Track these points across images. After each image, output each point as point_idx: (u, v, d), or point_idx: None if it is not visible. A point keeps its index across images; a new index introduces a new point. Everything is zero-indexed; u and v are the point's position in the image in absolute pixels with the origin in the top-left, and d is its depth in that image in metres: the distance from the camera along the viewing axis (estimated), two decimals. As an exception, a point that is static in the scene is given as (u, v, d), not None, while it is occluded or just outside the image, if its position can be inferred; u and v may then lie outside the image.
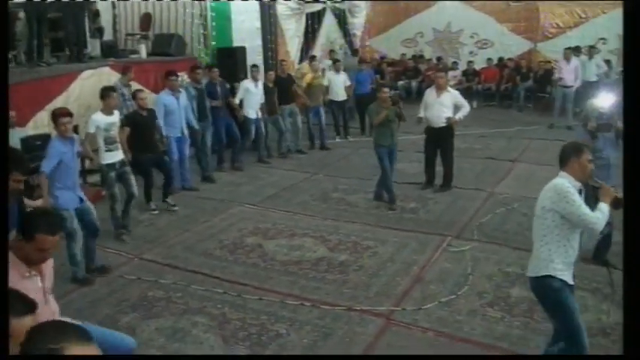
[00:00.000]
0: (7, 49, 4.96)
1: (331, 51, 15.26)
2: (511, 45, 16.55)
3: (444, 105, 8.20)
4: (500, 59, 16.30)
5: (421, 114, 8.41)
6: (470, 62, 16.49)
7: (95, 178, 9.04)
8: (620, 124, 5.49)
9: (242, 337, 4.73)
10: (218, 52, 11.78)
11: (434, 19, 17.57)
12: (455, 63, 16.47)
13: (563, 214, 3.55)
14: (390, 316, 5.02)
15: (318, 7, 15.36)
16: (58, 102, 8.79)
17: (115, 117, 6.90)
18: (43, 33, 9.36)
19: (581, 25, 15.62)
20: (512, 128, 12.90)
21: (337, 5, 16.29)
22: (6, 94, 3.71)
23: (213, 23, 11.99)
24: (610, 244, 5.70)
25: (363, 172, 9.54)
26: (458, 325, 4.86)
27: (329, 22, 16.04)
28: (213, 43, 11.96)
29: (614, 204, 3.61)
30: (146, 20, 12.32)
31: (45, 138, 7.54)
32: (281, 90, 10.69)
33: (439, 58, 17.02)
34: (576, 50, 13.10)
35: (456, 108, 8.22)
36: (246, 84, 10.00)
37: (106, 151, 6.79)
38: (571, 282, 3.68)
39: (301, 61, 14.44)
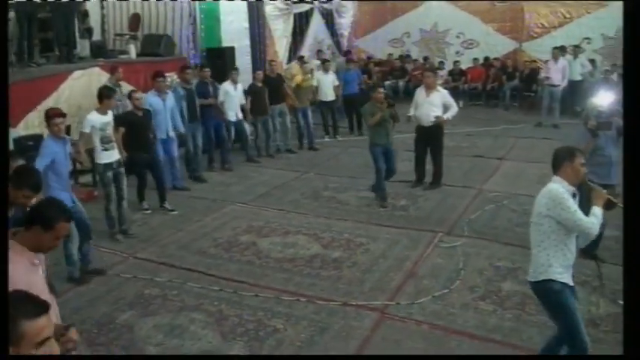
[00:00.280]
0: (6, 49, 4.97)
1: (319, 51, 15.34)
2: (497, 45, 16.72)
3: (433, 104, 8.30)
4: (486, 59, 16.46)
5: (411, 113, 8.51)
6: (456, 62, 16.65)
7: (87, 179, 9.09)
8: (620, 122, 5.56)
9: (240, 332, 4.80)
10: (207, 52, 11.80)
11: (420, 19, 17.69)
12: (441, 63, 16.61)
13: (558, 220, 3.61)
14: (385, 311, 5.11)
15: (305, 7, 15.44)
16: (48, 102, 8.79)
17: (110, 116, 6.93)
18: (33, 33, 9.34)
19: (566, 25, 15.82)
20: (498, 127, 13.06)
21: (324, 5, 16.37)
22: (6, 94, 3.73)
23: (202, 25, 12.01)
24: (600, 240, 5.79)
25: (353, 171, 9.65)
26: (452, 318, 4.97)
27: (316, 22, 16.12)
28: (202, 43, 11.98)
29: (607, 206, 3.69)
30: (135, 20, 12.32)
31: (37, 138, 7.56)
32: (271, 90, 10.72)
33: (426, 58, 17.15)
34: (561, 50, 13.28)
35: (446, 107, 8.30)
36: (226, 86, 9.93)
37: (103, 150, 6.81)
38: (571, 283, 3.74)
39: (289, 61, 14.50)
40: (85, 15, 11.35)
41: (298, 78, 11.66)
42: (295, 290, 5.52)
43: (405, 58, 17.48)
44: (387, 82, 16.43)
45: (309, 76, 12.00)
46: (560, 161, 3.73)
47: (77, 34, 10.39)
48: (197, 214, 7.78)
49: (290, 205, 8.06)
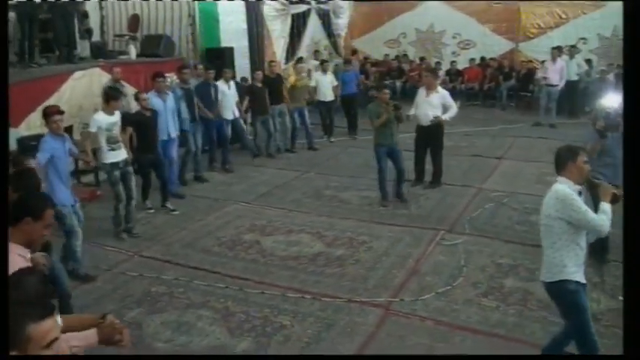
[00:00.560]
0: (7, 49, 5.00)
1: (316, 51, 15.42)
2: (493, 45, 16.77)
3: (432, 104, 8.35)
4: (482, 59, 16.55)
5: (411, 112, 8.57)
6: (453, 62, 16.73)
7: (89, 179, 9.12)
8: None
9: (247, 328, 4.87)
10: (207, 52, 11.85)
11: (417, 20, 17.72)
12: (438, 63, 16.66)
13: (570, 221, 3.64)
14: (389, 307, 5.19)
15: (303, 8, 15.47)
16: (50, 103, 8.76)
17: (117, 117, 6.97)
18: (34, 34, 9.38)
19: (562, 26, 15.90)
20: (495, 127, 13.15)
21: (321, 6, 16.42)
22: (6, 94, 3.77)
23: (201, 25, 12.06)
24: (608, 243, 5.83)
25: (353, 171, 9.74)
26: (455, 314, 5.04)
27: (314, 22, 16.15)
28: (202, 43, 12.03)
29: (613, 200, 3.71)
30: (134, 21, 12.37)
31: (39, 138, 7.58)
32: (271, 90, 10.76)
33: (422, 59, 17.21)
34: (558, 50, 13.36)
35: (445, 108, 8.36)
36: (220, 86, 9.93)
37: (109, 150, 6.86)
38: (583, 281, 3.78)
39: (287, 61, 14.55)
40: (85, 16, 11.37)
41: (291, 78, 11.70)
42: (300, 287, 5.59)
43: (402, 57, 17.54)
44: (385, 83, 16.50)
45: (303, 75, 12.04)
46: (563, 161, 3.76)
47: (77, 34, 10.43)
48: (199, 213, 7.84)
49: (292, 204, 8.13)
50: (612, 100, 6.03)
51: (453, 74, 16.39)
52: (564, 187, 3.69)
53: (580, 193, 3.74)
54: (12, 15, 9.74)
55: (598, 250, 5.72)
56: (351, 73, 13.03)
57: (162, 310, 5.25)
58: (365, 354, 4.51)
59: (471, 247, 6.44)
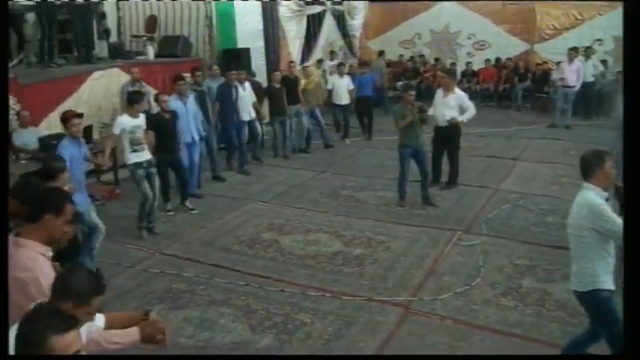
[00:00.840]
0: (7, 48, 5.05)
1: (331, 52, 15.47)
2: (508, 46, 16.79)
3: (448, 105, 8.36)
4: (497, 59, 16.55)
5: (430, 112, 8.58)
6: (468, 63, 16.76)
7: (109, 177, 9.24)
8: None
9: (268, 325, 4.94)
10: (223, 53, 11.94)
11: (432, 20, 17.78)
12: (453, 64, 16.66)
13: (601, 232, 3.58)
14: (409, 306, 5.24)
15: (318, 9, 15.54)
16: (69, 102, 8.99)
17: (141, 120, 7.04)
18: (53, 35, 9.50)
19: (578, 27, 15.89)
20: (510, 128, 13.15)
21: (336, 7, 16.48)
22: (6, 94, 3.83)
23: (218, 26, 12.15)
24: None
25: (369, 171, 9.81)
26: (474, 313, 5.09)
27: (329, 23, 16.22)
28: (218, 44, 12.12)
29: None
30: (152, 22, 12.49)
31: (60, 137, 7.69)
32: (289, 91, 10.80)
33: (437, 59, 17.25)
34: (574, 51, 13.32)
35: (462, 109, 8.37)
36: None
37: (132, 152, 6.95)
38: (613, 288, 3.74)
39: (302, 62, 14.60)
40: (103, 16, 11.51)
41: (302, 82, 11.65)
42: (320, 286, 5.66)
43: (418, 58, 17.58)
44: (400, 83, 16.53)
45: (312, 78, 12.04)
46: (590, 167, 3.68)
47: (95, 35, 10.56)
48: (218, 212, 7.93)
49: (309, 204, 8.20)
50: None
51: (468, 75, 16.39)
52: (594, 196, 3.62)
53: (607, 199, 3.70)
54: (31, 16, 9.91)
55: None
56: (367, 75, 12.96)
57: (185, 306, 5.33)
58: (385, 354, 4.57)
59: (489, 248, 6.48)
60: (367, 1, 18.24)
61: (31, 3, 9.46)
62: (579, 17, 15.92)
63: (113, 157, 9.00)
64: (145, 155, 7.04)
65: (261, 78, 11.85)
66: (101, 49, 10.95)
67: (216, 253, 6.54)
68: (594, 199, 3.62)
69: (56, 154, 5.69)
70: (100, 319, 2.76)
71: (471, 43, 17.38)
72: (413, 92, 8.02)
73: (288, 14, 13.97)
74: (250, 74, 11.03)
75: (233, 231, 7.20)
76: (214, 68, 10.60)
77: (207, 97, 9.46)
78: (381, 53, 16.66)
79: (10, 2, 9.83)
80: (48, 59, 9.32)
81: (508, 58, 16.40)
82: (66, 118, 6.07)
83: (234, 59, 11.36)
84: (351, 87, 12.21)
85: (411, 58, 17.75)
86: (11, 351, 2.02)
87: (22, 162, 7.73)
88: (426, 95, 12.65)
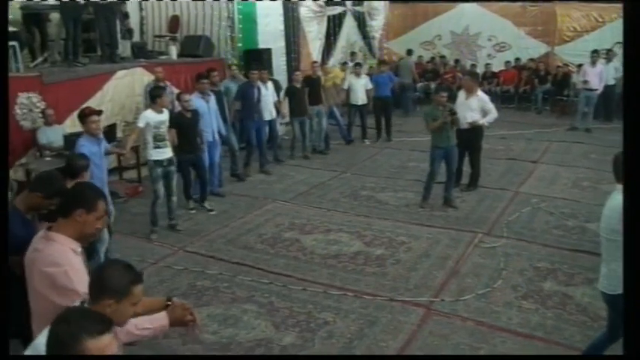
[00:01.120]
0: (7, 49, 5.09)
1: (352, 53, 15.49)
2: (528, 48, 16.71)
3: (470, 108, 8.34)
4: (517, 60, 16.49)
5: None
6: (487, 65, 16.71)
7: (132, 175, 9.36)
8: None
9: (291, 323, 5.01)
10: (245, 53, 12.03)
11: (452, 22, 17.73)
12: (473, 66, 16.67)
13: None
14: (431, 307, 5.28)
15: (338, 9, 15.60)
16: (93, 101, 9.11)
17: (165, 115, 7.12)
18: (78, 34, 9.63)
19: (598, 29, 15.78)
20: (531, 130, 13.12)
21: (357, 8, 16.52)
22: (6, 94, 3.90)
23: (240, 25, 12.24)
24: None
25: (389, 172, 9.85)
26: (496, 315, 5.12)
27: (349, 24, 16.26)
28: (240, 44, 12.21)
29: None
30: (174, 22, 12.61)
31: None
32: (311, 91, 10.85)
33: (457, 61, 17.23)
34: (597, 53, 13.25)
35: (485, 112, 8.35)
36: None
37: (154, 147, 7.02)
38: None
39: (322, 63, 14.64)
40: (126, 16, 11.63)
41: (322, 78, 11.65)
42: (342, 285, 5.72)
43: (439, 59, 17.57)
44: (419, 84, 16.56)
45: (332, 75, 12.07)
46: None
47: (119, 34, 10.68)
48: (240, 210, 8.02)
49: (330, 204, 8.26)
50: None
51: (488, 77, 16.34)
52: None
53: None
54: (55, 15, 10.06)
55: None
56: (384, 75, 12.82)
57: (209, 303, 5.41)
58: (408, 354, 4.61)
59: (510, 250, 6.49)
60: (388, 2, 18.25)
61: (56, 3, 9.60)
62: (600, 19, 15.81)
63: (136, 154, 9.15)
64: (167, 153, 7.11)
65: (282, 78, 11.91)
66: (124, 48, 11.07)
67: (239, 251, 6.62)
68: None
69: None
70: None
71: (491, 44, 17.31)
72: (445, 94, 7.91)
73: (309, 15, 14.03)
74: (270, 74, 11.08)
75: (255, 230, 7.28)
76: (233, 69, 10.64)
77: (225, 98, 9.46)
78: (409, 52, 16.66)
79: (34, 2, 10.04)
80: (72, 58, 9.44)
81: (531, 59, 16.30)
82: (85, 114, 6.06)
83: (256, 60, 11.43)
84: (369, 87, 12.14)
85: (431, 60, 17.73)
86: (40, 350, 2.01)
87: (47, 159, 7.90)
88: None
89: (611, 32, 15.29)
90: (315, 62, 12.05)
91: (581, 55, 14.38)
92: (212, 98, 8.47)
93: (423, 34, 18.28)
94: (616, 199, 3.64)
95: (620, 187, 3.61)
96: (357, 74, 12.20)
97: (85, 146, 5.78)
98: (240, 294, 5.57)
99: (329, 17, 15.08)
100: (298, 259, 6.40)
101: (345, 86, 12.09)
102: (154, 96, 7.18)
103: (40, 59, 9.77)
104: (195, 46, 11.70)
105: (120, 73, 9.83)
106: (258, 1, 12.12)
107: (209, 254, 6.54)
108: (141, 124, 7.04)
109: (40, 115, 8.30)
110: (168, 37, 12.42)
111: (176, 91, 9.49)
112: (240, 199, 8.54)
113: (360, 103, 12.06)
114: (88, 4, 9.65)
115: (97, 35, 10.37)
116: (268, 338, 4.80)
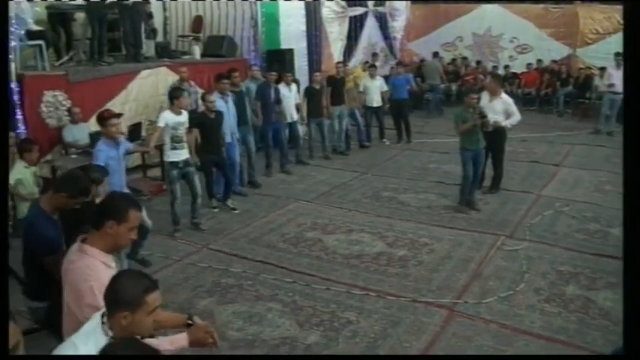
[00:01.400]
0: (7, 49, 5.14)
1: (374, 54, 15.49)
2: (550, 50, 16.58)
3: (494, 110, 8.24)
4: (539, 61, 16.39)
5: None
6: (506, 67, 16.66)
7: (155, 173, 9.46)
8: None
9: (315, 322, 5.07)
10: (267, 54, 12.09)
11: (474, 23, 17.67)
12: (494, 67, 16.61)
13: None
14: (453, 308, 5.31)
15: (360, 10, 15.62)
16: (118, 99, 9.29)
17: (184, 117, 7.16)
18: (103, 34, 9.77)
19: (621, 31, 15.61)
20: (553, 133, 13.05)
21: (378, 9, 16.54)
22: (6, 94, 3.97)
23: (263, 27, 12.30)
24: None
25: (410, 173, 9.88)
26: (519, 318, 5.13)
27: (370, 25, 16.26)
28: (263, 45, 12.28)
29: None
30: (198, 22, 12.73)
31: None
32: (334, 91, 10.88)
33: (478, 62, 17.18)
34: (617, 56, 13.13)
35: (508, 114, 8.29)
36: (281, 89, 10.00)
37: (172, 149, 7.06)
38: None
39: (344, 64, 14.66)
40: (150, 16, 11.76)
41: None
42: (364, 285, 5.76)
43: (463, 59, 17.54)
44: (441, 86, 16.52)
45: (352, 76, 12.06)
46: None
47: (143, 34, 10.80)
48: (263, 210, 8.09)
49: (351, 204, 8.30)
50: None
51: (509, 78, 16.26)
52: None
53: None
54: (81, 15, 10.21)
55: None
56: (402, 77, 12.72)
57: (233, 300, 5.49)
58: (432, 354, 4.65)
59: (532, 254, 6.49)
60: (409, 2, 18.23)
61: (81, 2, 9.75)
62: (622, 22, 15.66)
63: (160, 153, 9.23)
64: (183, 154, 7.11)
65: (304, 79, 11.95)
66: (148, 48, 11.19)
67: (262, 250, 6.69)
68: None
69: (93, 157, 5.77)
70: None
71: (513, 46, 17.22)
72: (475, 95, 7.91)
73: (330, 15, 14.06)
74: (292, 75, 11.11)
75: (278, 229, 7.35)
76: (254, 69, 10.66)
77: (247, 99, 9.36)
78: (435, 54, 16.64)
79: (60, 2, 10.19)
80: (97, 57, 9.57)
81: (553, 60, 16.19)
82: (104, 117, 6.04)
83: (278, 60, 11.49)
84: (384, 89, 12.03)
85: (452, 61, 17.69)
86: None
87: (73, 156, 8.03)
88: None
89: (635, 35, 15.16)
90: (339, 63, 12.01)
91: (604, 57, 14.26)
92: (230, 99, 8.46)
93: (444, 35, 18.23)
94: None
95: None
96: (372, 76, 12.01)
97: (102, 151, 5.77)
98: (264, 292, 5.64)
99: (350, 18, 15.10)
100: (321, 258, 6.46)
101: (361, 88, 11.99)
102: (172, 97, 7.25)
103: (65, 58, 9.93)
104: (218, 46, 11.81)
105: (144, 73, 9.96)
106: (280, 2, 12.17)
107: (233, 252, 6.62)
108: (161, 124, 7.06)
109: (66, 113, 8.44)
110: (191, 37, 12.55)
111: (200, 91, 9.61)
112: (263, 198, 8.62)
113: (375, 105, 11.93)
114: (113, 4, 9.79)
115: (122, 35, 10.50)
116: (293, 337, 4.86)
